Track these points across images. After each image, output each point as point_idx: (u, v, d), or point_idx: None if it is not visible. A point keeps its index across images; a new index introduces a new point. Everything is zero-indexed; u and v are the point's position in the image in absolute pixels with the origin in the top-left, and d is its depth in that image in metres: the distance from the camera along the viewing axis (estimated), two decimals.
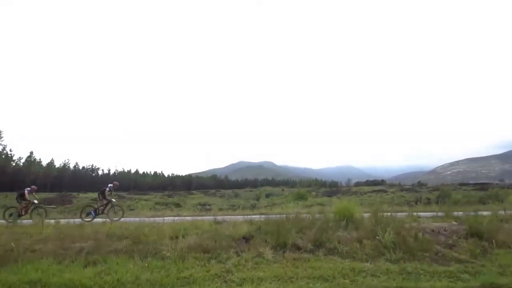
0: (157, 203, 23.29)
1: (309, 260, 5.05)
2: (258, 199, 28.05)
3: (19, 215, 11.84)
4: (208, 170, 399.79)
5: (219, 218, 9.13)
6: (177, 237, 5.96)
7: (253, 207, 17.70)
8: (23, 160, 67.93)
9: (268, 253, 5.24)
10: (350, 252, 5.32)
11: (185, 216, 11.53)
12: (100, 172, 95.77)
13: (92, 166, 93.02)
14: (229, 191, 57.73)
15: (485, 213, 8.21)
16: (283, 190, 48.33)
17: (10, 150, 64.77)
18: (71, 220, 10.22)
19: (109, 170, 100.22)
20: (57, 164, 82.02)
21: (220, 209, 17.72)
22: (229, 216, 10.51)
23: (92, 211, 11.87)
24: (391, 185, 73.47)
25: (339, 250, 5.40)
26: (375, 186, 70.74)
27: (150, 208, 19.08)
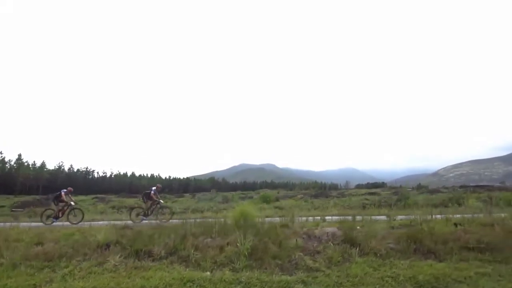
0: (122, 207, 22.78)
1: (150, 269, 4.88)
2: (227, 202, 27.82)
3: (56, 217, 12.13)
4: (209, 173, 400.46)
5: (129, 222, 8.94)
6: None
7: (215, 211, 17.37)
8: (12, 163, 67.73)
9: (115, 261, 5.06)
10: (200, 260, 5.12)
11: (113, 220, 11.32)
12: (96, 175, 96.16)
13: (87, 168, 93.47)
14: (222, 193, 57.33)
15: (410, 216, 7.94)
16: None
17: (1, 153, 65.23)
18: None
19: (104, 173, 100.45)
20: (52, 166, 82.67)
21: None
22: (150, 221, 10.33)
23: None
24: (392, 188, 72.67)
25: (190, 257, 5.19)
26: (374, 189, 70.04)
27: (102, 212, 18.87)
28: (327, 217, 10.17)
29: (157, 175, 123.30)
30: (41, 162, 78.29)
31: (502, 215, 8.53)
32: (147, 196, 12.40)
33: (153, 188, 12.72)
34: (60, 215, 12.20)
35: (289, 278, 4.57)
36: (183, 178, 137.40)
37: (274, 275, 4.66)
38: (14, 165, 66.05)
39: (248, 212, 7.28)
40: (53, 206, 12.80)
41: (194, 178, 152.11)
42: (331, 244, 5.81)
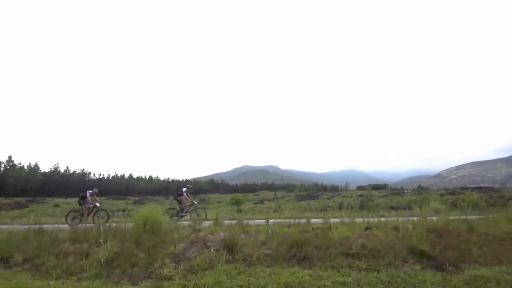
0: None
1: None
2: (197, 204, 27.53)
3: (83, 219, 12.00)
4: (212, 175, 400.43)
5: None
6: None
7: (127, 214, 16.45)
8: (2, 164, 67.38)
9: None
10: (52, 268, 4.90)
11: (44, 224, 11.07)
12: (92, 177, 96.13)
13: (83, 170, 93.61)
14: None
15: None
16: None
17: None
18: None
19: (101, 175, 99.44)
20: (47, 168, 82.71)
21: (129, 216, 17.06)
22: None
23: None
24: (393, 189, 71.74)
25: (45, 265, 4.99)
26: (374, 190, 69.26)
27: (51, 215, 18.60)
28: (271, 221, 9.86)
29: (155, 177, 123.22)
30: (35, 163, 79.04)
31: (448, 217, 8.25)
32: (178, 197, 12.51)
33: (184, 189, 12.74)
34: (86, 216, 12.11)
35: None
36: (182, 180, 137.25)
37: (118, 285, 4.44)
38: (7, 166, 66.56)
39: (151, 217, 7.06)
40: (77, 207, 12.68)
41: (194, 180, 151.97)
42: (212, 250, 5.58)
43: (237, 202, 24.13)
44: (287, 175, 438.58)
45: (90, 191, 12.72)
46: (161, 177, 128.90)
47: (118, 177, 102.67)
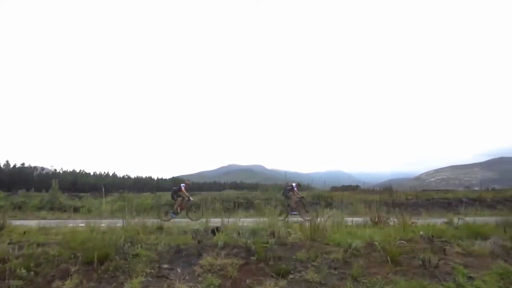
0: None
1: None
2: None
3: (175, 213, 11.78)
4: (197, 173, 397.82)
5: None
6: None
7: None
8: None
9: None
10: None
11: None
12: (43, 172, 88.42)
13: (29, 165, 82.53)
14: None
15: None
16: None
17: None
18: None
19: (43, 169, 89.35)
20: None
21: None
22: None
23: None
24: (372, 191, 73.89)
25: None
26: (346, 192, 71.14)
27: None
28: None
29: (126, 175, 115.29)
30: None
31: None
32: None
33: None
34: (179, 210, 11.87)
35: None
36: (160, 178, 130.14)
37: None
38: None
39: None
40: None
41: (180, 178, 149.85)
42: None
43: None
44: (273, 175, 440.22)
45: (183, 184, 12.48)
46: (143, 175, 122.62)
47: (68, 172, 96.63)
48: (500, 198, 19.22)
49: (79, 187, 69.75)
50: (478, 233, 6.28)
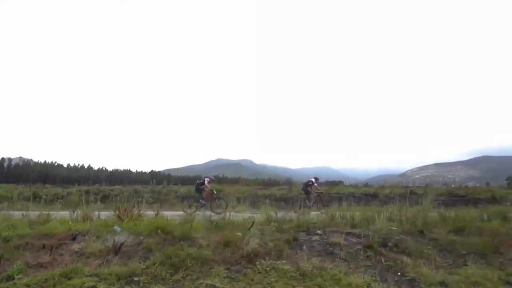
0: None
1: None
2: None
3: (201, 206, 12.09)
4: (186, 167, 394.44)
5: None
6: None
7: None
8: None
9: None
10: None
11: None
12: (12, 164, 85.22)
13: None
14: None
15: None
16: None
17: None
18: None
19: (9, 160, 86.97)
20: None
21: None
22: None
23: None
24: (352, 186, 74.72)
25: None
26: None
27: None
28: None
29: (103, 167, 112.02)
30: None
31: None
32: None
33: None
34: (204, 203, 12.19)
35: None
36: (139, 171, 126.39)
37: None
38: None
39: None
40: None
41: (157, 171, 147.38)
42: None
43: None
44: (261, 170, 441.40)
45: (207, 179, 12.77)
46: (133, 169, 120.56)
47: (40, 163, 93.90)
48: (456, 195, 18.43)
49: (50, 179, 66.86)
50: None
